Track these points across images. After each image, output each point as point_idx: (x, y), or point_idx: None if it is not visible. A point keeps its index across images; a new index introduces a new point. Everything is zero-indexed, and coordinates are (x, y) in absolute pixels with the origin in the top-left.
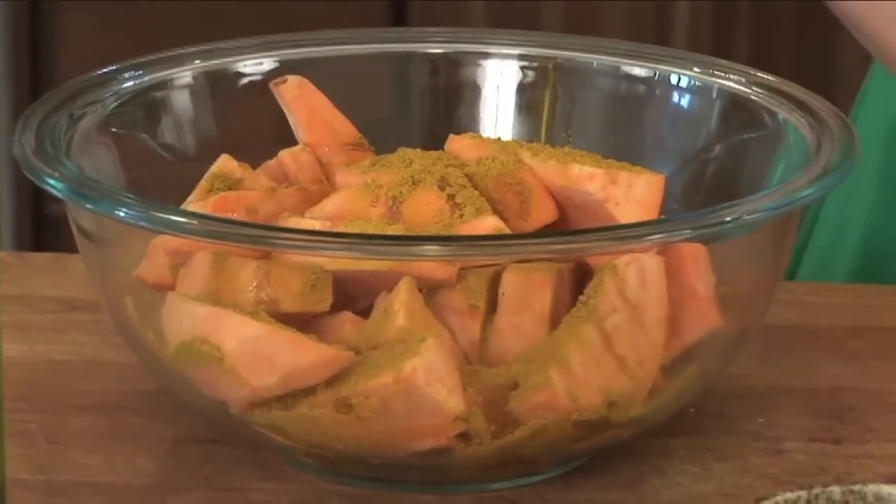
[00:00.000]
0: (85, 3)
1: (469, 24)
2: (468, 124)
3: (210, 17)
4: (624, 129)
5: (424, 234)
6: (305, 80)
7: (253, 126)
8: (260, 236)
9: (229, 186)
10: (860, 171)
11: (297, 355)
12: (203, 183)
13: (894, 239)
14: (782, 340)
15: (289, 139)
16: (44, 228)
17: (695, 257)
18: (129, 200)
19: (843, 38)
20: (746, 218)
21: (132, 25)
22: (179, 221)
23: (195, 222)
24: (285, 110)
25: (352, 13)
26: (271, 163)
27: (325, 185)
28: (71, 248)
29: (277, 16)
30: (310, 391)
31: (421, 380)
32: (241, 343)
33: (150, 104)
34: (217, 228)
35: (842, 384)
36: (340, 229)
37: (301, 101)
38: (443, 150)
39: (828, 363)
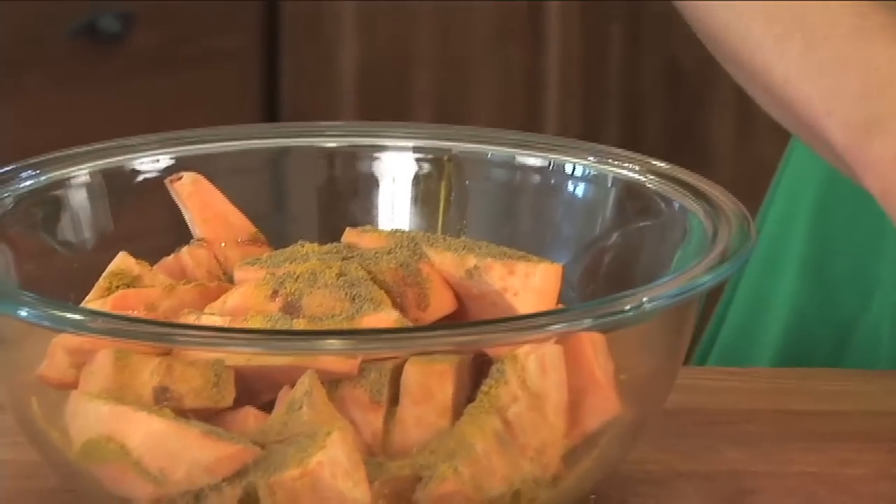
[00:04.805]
0: None
1: (342, 115)
2: (364, 217)
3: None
4: (520, 219)
5: (325, 328)
6: (200, 177)
7: (150, 222)
8: (162, 333)
9: (128, 284)
10: (779, 251)
11: (202, 451)
12: (101, 281)
13: (819, 320)
14: (679, 425)
15: (185, 235)
16: None
17: (593, 345)
18: (28, 300)
19: (710, 116)
20: (645, 306)
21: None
22: (81, 320)
23: (98, 321)
24: (181, 207)
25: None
26: (169, 259)
27: (223, 280)
28: None
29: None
30: (216, 487)
31: (327, 473)
32: (145, 439)
33: (47, 203)
34: (119, 326)
35: (740, 468)
36: (240, 325)
37: (197, 198)
38: (339, 242)
39: (726, 447)
